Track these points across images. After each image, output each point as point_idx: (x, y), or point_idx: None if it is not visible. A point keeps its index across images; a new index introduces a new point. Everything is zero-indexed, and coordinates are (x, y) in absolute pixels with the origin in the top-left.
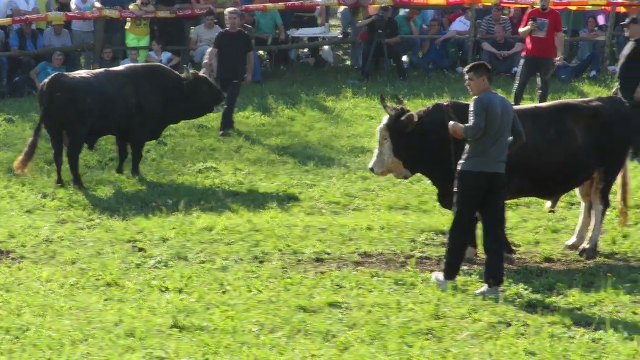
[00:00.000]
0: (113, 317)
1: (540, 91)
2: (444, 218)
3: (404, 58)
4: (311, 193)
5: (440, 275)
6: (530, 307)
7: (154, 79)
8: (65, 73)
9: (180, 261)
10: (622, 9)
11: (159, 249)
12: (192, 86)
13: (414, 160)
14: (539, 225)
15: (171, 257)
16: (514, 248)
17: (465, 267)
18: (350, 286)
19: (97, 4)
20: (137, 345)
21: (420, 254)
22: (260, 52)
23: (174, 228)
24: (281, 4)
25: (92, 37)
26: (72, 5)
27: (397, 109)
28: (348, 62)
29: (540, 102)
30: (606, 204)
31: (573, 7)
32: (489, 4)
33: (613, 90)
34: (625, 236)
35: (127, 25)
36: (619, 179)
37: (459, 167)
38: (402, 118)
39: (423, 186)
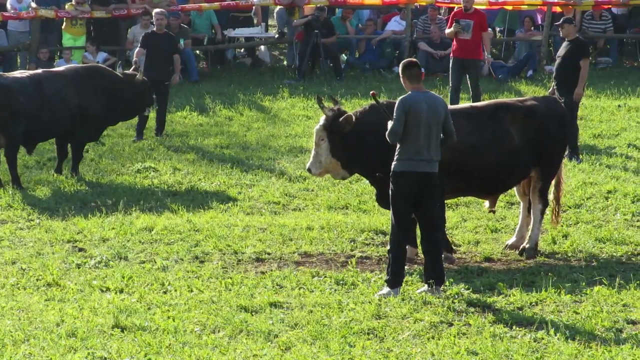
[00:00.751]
0: (54, 317)
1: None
2: (384, 218)
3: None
4: (250, 193)
5: (384, 290)
6: (472, 306)
7: (95, 80)
8: (2, 73)
9: (120, 261)
10: (558, 9)
11: (99, 249)
12: (134, 88)
13: (351, 160)
14: (479, 225)
15: (112, 257)
16: (454, 248)
17: (406, 267)
18: (292, 286)
19: (33, 4)
20: (79, 345)
21: (361, 254)
22: (197, 52)
23: (113, 228)
24: (217, 4)
25: (28, 37)
26: (8, 5)
27: (335, 110)
28: (285, 62)
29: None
30: (545, 203)
31: (509, 7)
32: (425, 3)
33: (549, 90)
34: (565, 236)
35: (64, 26)
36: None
37: (391, 168)
38: (340, 119)
39: (362, 186)
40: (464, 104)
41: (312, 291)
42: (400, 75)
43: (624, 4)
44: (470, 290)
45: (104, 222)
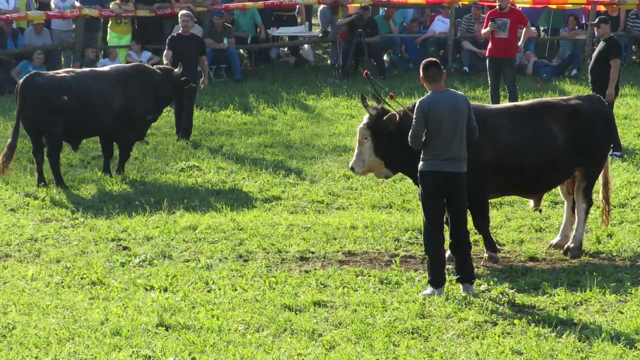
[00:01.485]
0: (99, 316)
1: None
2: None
3: (384, 57)
4: (294, 192)
5: (427, 290)
6: (516, 306)
7: (141, 79)
8: (42, 72)
9: (164, 260)
10: (602, 8)
11: (143, 248)
12: (173, 83)
13: (395, 159)
14: (523, 224)
15: (156, 255)
16: (498, 247)
17: (449, 266)
18: (335, 285)
19: (77, 3)
20: (123, 344)
21: (405, 253)
22: (241, 51)
23: (157, 227)
24: (260, 2)
25: (71, 36)
26: (52, 4)
27: (378, 109)
28: (328, 61)
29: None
30: (589, 202)
31: (553, 6)
32: (468, 2)
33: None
34: (610, 235)
35: (109, 24)
36: (600, 178)
37: (419, 168)
38: (384, 118)
39: (406, 185)
40: (507, 103)
41: (356, 290)
42: (421, 76)
43: None
44: (515, 289)
45: (148, 221)
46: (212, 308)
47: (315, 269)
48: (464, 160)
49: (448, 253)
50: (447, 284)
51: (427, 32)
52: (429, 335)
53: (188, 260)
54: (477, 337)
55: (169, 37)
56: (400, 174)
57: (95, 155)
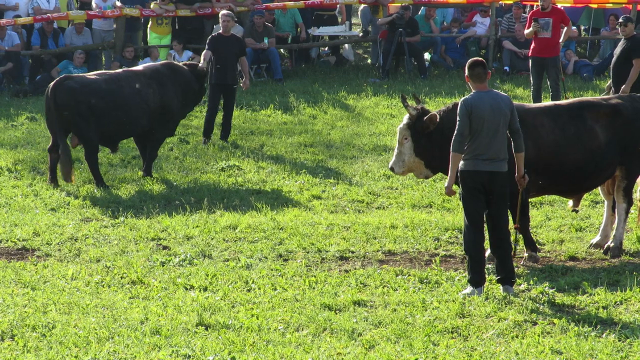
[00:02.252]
0: (139, 315)
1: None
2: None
3: (425, 56)
4: (334, 191)
5: (467, 290)
6: (556, 305)
7: (174, 77)
8: (72, 75)
9: (204, 259)
10: None
11: (183, 247)
12: (199, 79)
13: (435, 159)
14: (564, 224)
15: (196, 255)
16: (538, 246)
17: (489, 266)
18: (375, 284)
19: (118, 3)
20: (163, 343)
21: (445, 252)
22: (281, 50)
23: (197, 226)
24: (301, 2)
25: (112, 36)
26: (93, 4)
27: (418, 109)
28: (369, 61)
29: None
30: (630, 202)
31: (594, 5)
32: (510, 2)
33: (607, 85)
34: None
35: (150, 25)
36: None
37: (459, 168)
38: (425, 118)
39: None
40: (548, 102)
41: (396, 290)
42: (466, 75)
43: None
44: (555, 289)
45: (188, 220)
46: (252, 307)
47: (355, 269)
48: (505, 160)
49: (488, 252)
50: (486, 283)
51: (467, 31)
52: (469, 334)
53: (228, 260)
54: (517, 337)
55: (210, 36)
56: (440, 173)
57: (136, 155)
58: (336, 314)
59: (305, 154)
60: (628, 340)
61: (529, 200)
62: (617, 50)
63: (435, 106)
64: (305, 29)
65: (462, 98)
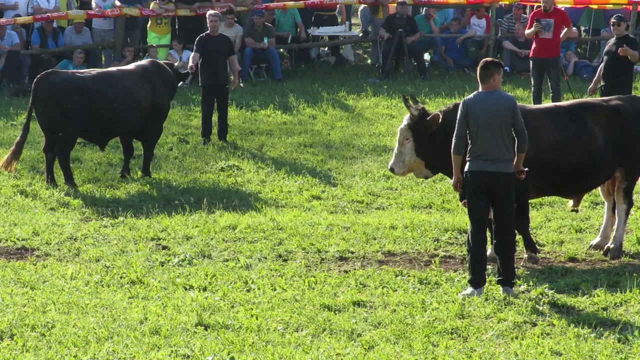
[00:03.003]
0: (138, 315)
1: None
2: (467, 217)
3: (425, 56)
4: (334, 192)
5: (467, 290)
6: (556, 307)
7: (161, 74)
8: (59, 70)
9: (204, 259)
10: None
11: (182, 247)
12: (179, 77)
13: (436, 160)
14: (563, 225)
15: (195, 255)
16: (538, 247)
17: (489, 267)
18: (375, 285)
19: (118, 2)
20: (162, 343)
21: (444, 253)
22: (281, 50)
23: (197, 226)
24: (301, 2)
25: (112, 35)
26: (93, 4)
27: (420, 109)
28: (369, 61)
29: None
30: (630, 203)
31: (594, 6)
32: (509, 2)
33: (590, 87)
34: None
35: (149, 24)
36: None
37: (465, 168)
38: (428, 118)
39: (446, 185)
40: (548, 103)
41: (396, 290)
42: (478, 75)
43: None
44: (555, 290)
45: (187, 220)
46: (251, 307)
47: (355, 269)
48: (508, 161)
49: (489, 252)
50: (487, 284)
51: (467, 31)
52: (468, 335)
53: (227, 260)
54: (517, 338)
55: (198, 38)
56: (440, 174)
57: (136, 155)
58: (336, 314)
59: (304, 154)
60: (628, 341)
61: (529, 201)
62: (608, 50)
63: (435, 107)
64: (305, 29)
65: (463, 99)
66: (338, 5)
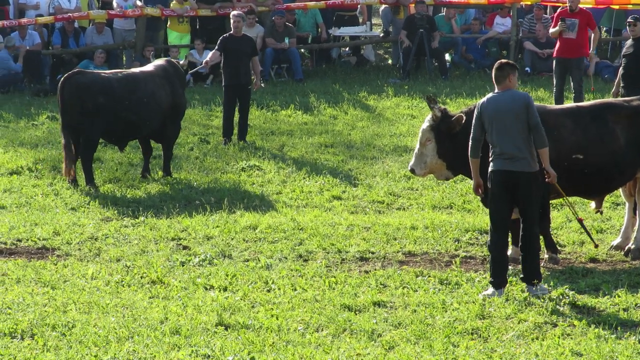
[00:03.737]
0: (158, 315)
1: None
2: (488, 218)
3: (446, 57)
4: (355, 192)
5: (488, 291)
6: (576, 307)
7: (178, 74)
8: (85, 70)
9: (224, 259)
10: None
11: (203, 247)
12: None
13: (457, 161)
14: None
15: (216, 255)
16: (559, 248)
17: (510, 267)
18: (395, 285)
19: (139, 2)
20: (183, 343)
21: (465, 254)
22: (302, 50)
23: (217, 226)
24: (322, 2)
25: (133, 35)
26: (114, 4)
27: (442, 110)
28: (389, 61)
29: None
30: None
31: (615, 6)
32: (530, 2)
33: (613, 90)
34: None
35: (169, 24)
36: None
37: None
38: (452, 119)
39: (467, 185)
40: (570, 103)
41: (416, 291)
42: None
43: None
44: (575, 291)
45: (208, 220)
46: (272, 307)
47: (375, 269)
48: (527, 159)
49: (510, 252)
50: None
51: (488, 32)
52: (489, 336)
53: (248, 260)
54: (537, 338)
55: (221, 37)
56: (460, 175)
57: (156, 154)
58: (356, 314)
59: (325, 155)
60: None
61: (550, 202)
62: (628, 51)
63: (456, 107)
64: (326, 29)
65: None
66: (359, 6)
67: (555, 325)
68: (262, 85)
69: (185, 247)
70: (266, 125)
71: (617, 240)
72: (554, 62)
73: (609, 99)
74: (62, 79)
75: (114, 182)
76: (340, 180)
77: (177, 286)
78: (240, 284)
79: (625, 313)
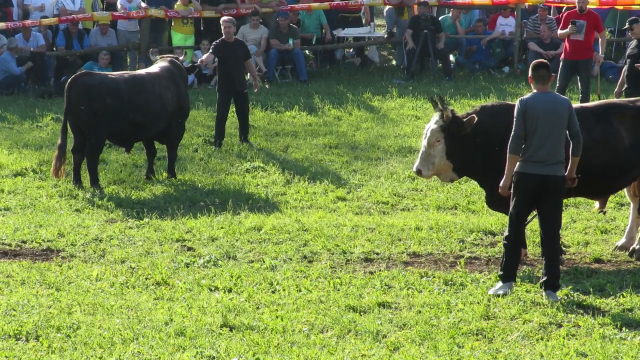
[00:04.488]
0: (163, 316)
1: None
2: (493, 219)
3: (450, 58)
4: (359, 193)
5: (497, 285)
6: (581, 308)
7: (181, 74)
8: (92, 72)
9: (229, 261)
10: None
11: (207, 249)
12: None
13: (465, 162)
14: (589, 226)
15: (220, 256)
16: (564, 249)
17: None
18: (400, 286)
19: (143, 4)
20: (187, 344)
21: (470, 254)
22: (306, 51)
23: (222, 227)
24: (326, 3)
25: (137, 37)
26: (118, 5)
27: (452, 111)
28: (394, 62)
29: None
30: None
31: (620, 7)
32: (532, 3)
33: (615, 91)
34: None
35: (173, 25)
36: None
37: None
38: (465, 120)
39: (471, 186)
40: (574, 104)
41: (421, 291)
42: (529, 75)
43: None
44: (580, 291)
45: (212, 222)
46: (277, 309)
47: (380, 270)
48: (559, 164)
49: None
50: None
51: (492, 32)
52: (494, 336)
53: (252, 261)
54: (542, 339)
55: (214, 43)
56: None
57: (160, 156)
58: (361, 315)
59: (330, 156)
60: None
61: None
62: (631, 53)
63: (461, 108)
64: (330, 30)
65: (519, 98)
66: (363, 7)
67: (560, 326)
68: (263, 85)
69: (189, 249)
70: (270, 126)
71: (622, 241)
72: (562, 63)
73: (614, 100)
74: (69, 80)
75: (119, 183)
76: (344, 181)
77: (181, 287)
78: (245, 285)
79: (630, 313)
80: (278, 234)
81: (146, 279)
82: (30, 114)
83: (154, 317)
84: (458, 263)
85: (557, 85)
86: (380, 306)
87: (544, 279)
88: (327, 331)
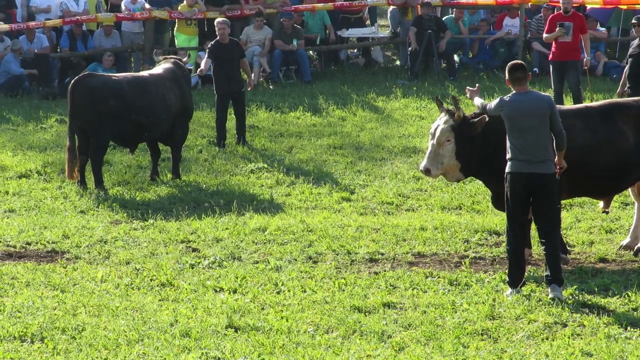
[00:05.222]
0: (168, 318)
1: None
2: (497, 218)
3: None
4: (364, 193)
5: (507, 291)
6: (586, 307)
7: (184, 74)
8: (95, 73)
9: (234, 261)
10: None
11: (212, 250)
12: None
13: (473, 163)
14: (593, 226)
15: (225, 257)
16: (568, 248)
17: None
18: (405, 286)
19: (147, 5)
20: (192, 346)
21: (475, 254)
22: (310, 52)
23: (227, 228)
24: (330, 4)
25: (141, 38)
26: (122, 6)
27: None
28: (398, 63)
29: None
30: None
31: (624, 6)
32: (536, 2)
33: (618, 91)
34: None
35: (177, 26)
36: None
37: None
38: (476, 120)
39: (476, 186)
40: (579, 104)
41: (426, 292)
42: (506, 78)
43: None
44: (585, 291)
45: (217, 223)
46: (282, 309)
47: (385, 271)
48: (547, 162)
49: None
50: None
51: (496, 32)
52: (499, 336)
53: (257, 262)
54: (547, 339)
55: (209, 45)
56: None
57: (164, 157)
58: (366, 316)
59: (334, 156)
60: None
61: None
62: (633, 52)
63: (466, 108)
64: (334, 30)
65: (500, 96)
66: (367, 7)
67: (565, 326)
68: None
69: (194, 250)
70: (275, 127)
71: (626, 240)
72: (551, 66)
73: (618, 99)
74: (72, 81)
75: (123, 184)
76: (349, 181)
77: (186, 289)
78: (249, 286)
79: (635, 313)
80: (283, 234)
81: (151, 280)
82: (35, 115)
83: (159, 319)
84: (463, 263)
85: (553, 89)
86: (385, 306)
87: (547, 273)
88: (332, 332)
